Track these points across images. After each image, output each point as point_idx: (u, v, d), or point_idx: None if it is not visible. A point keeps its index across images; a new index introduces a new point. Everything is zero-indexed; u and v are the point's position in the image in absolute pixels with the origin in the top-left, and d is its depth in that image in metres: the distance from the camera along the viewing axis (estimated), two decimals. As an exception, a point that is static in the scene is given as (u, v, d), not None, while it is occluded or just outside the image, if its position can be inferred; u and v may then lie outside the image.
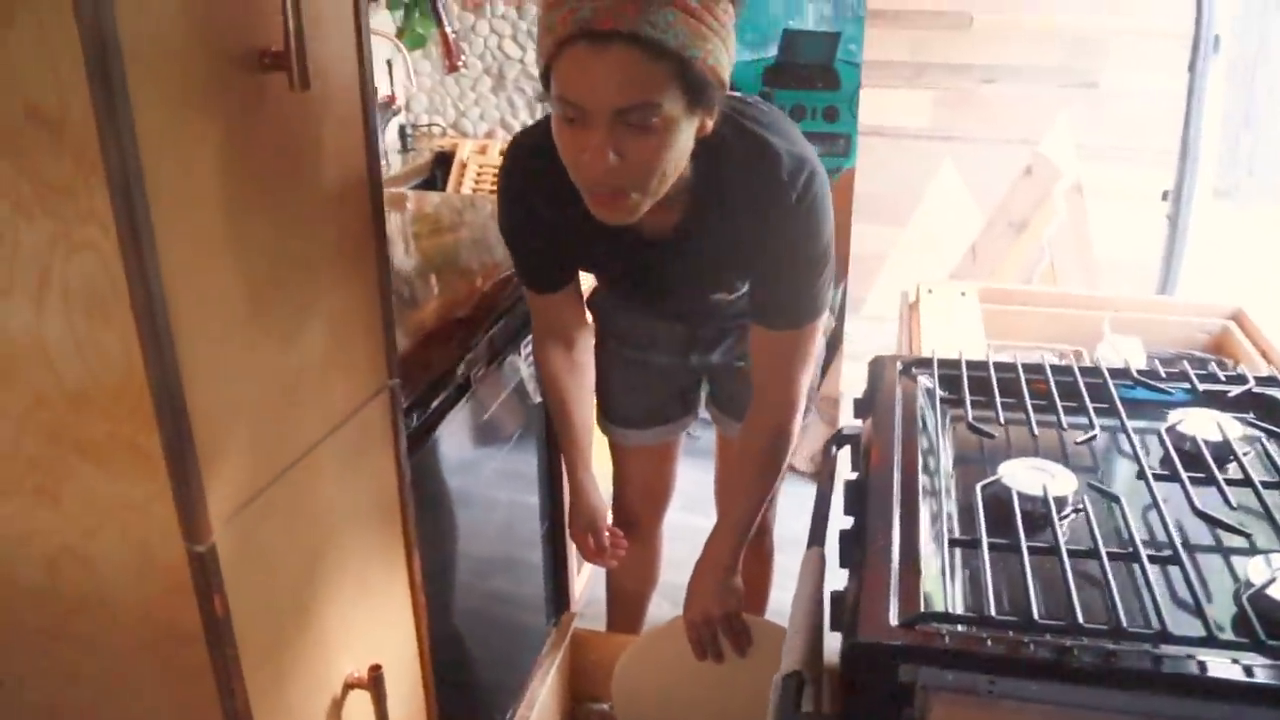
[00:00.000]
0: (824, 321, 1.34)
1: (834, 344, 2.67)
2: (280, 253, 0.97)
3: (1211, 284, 2.35)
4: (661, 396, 1.65)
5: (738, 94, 1.27)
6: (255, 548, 0.99)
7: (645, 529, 1.82)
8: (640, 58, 1.00)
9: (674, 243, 1.27)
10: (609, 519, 1.63)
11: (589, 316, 1.59)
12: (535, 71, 2.62)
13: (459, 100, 2.69)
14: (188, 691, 0.98)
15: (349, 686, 1.19)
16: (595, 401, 1.59)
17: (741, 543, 1.44)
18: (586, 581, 2.19)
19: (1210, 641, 0.81)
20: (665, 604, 2.07)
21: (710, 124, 1.13)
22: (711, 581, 1.44)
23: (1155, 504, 0.99)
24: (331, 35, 1.01)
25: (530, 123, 2.65)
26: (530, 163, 1.24)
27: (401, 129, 2.51)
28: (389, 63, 2.52)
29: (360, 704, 1.22)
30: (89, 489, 0.91)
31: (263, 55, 0.89)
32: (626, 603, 1.90)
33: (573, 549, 2.08)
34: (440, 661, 1.46)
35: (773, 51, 2.76)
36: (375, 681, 1.20)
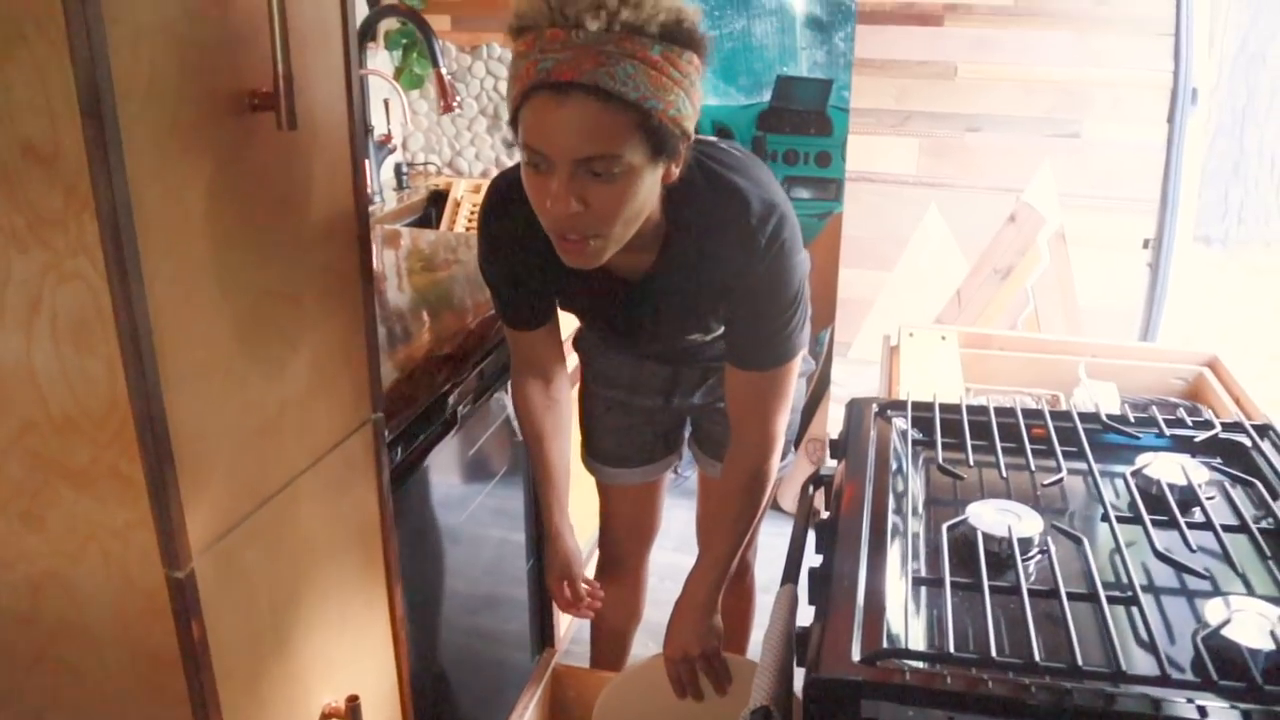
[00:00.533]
0: (799, 362, 1.36)
1: (821, 387, 2.70)
2: (266, 287, 1.00)
3: (1195, 329, 2.38)
4: (645, 437, 1.67)
5: (709, 138, 1.30)
6: (235, 576, 1.01)
7: (630, 567, 1.83)
8: (600, 109, 1.03)
9: (647, 284, 1.30)
10: (584, 566, 1.61)
11: (573, 358, 1.61)
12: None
13: (455, 140, 2.73)
14: (166, 716, 0.99)
15: (326, 717, 1.20)
16: (571, 440, 1.59)
17: (721, 581, 1.46)
18: (571, 619, 2.20)
19: (1165, 681, 0.82)
20: (650, 642, 2.07)
21: (676, 171, 1.16)
22: (691, 620, 1.46)
23: (1118, 546, 1.01)
24: (321, 78, 1.04)
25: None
26: (507, 203, 1.27)
27: (398, 167, 2.55)
28: (386, 102, 2.56)
29: (337, 735, 1.23)
30: (72, 514, 0.93)
31: (252, 96, 0.93)
32: (610, 640, 1.91)
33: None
34: (420, 695, 1.47)
35: (767, 97, 2.80)
36: (353, 712, 1.21)
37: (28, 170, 0.79)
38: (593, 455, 1.72)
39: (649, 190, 1.13)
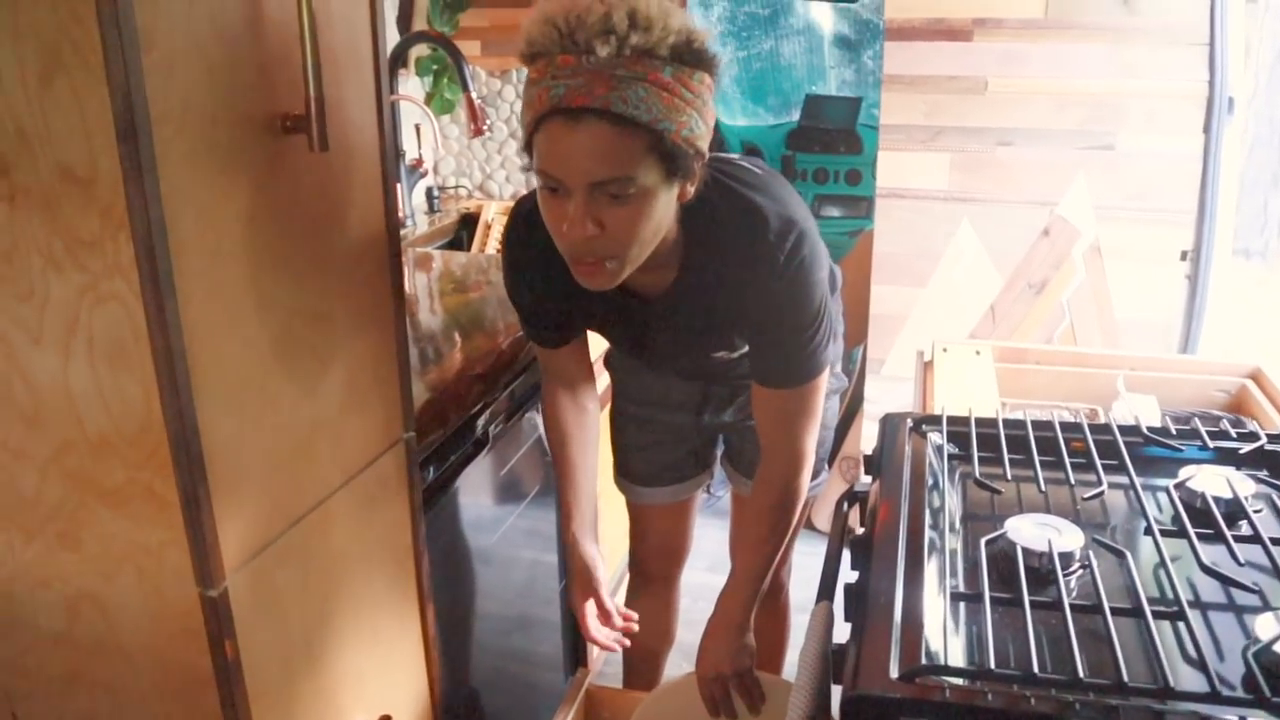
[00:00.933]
0: (825, 379, 1.35)
1: (854, 405, 2.68)
2: (299, 307, 1.01)
3: (1235, 344, 2.34)
4: (676, 455, 1.67)
5: (727, 155, 1.30)
6: (267, 594, 1.01)
7: (662, 587, 1.82)
8: (613, 133, 1.04)
9: (669, 302, 1.30)
10: (608, 583, 1.54)
11: (604, 376, 1.61)
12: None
13: (485, 163, 2.75)
14: (199, 736, 0.99)
15: (359, 737, 1.20)
16: (598, 451, 1.56)
17: (754, 599, 1.44)
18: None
19: (1214, 698, 0.80)
20: (684, 663, 2.05)
21: (691, 190, 1.16)
22: (724, 638, 1.44)
23: (1163, 560, 0.98)
24: (352, 101, 1.05)
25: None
26: (529, 227, 1.27)
27: (429, 190, 2.57)
28: (418, 127, 2.59)
29: (370, 755, 1.22)
30: (107, 534, 0.94)
31: (284, 118, 0.94)
32: (643, 661, 1.90)
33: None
34: (452, 715, 1.46)
35: (796, 116, 2.80)
36: (385, 732, 1.21)
37: (65, 194, 0.81)
38: (624, 474, 1.71)
39: (664, 210, 1.13)
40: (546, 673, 2.00)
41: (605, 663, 2.17)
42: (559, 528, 1.91)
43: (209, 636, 0.95)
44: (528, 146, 1.12)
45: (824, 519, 2.79)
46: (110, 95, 0.76)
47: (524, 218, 1.32)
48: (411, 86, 2.56)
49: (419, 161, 2.47)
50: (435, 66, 2.57)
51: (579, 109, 1.03)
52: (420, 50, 2.54)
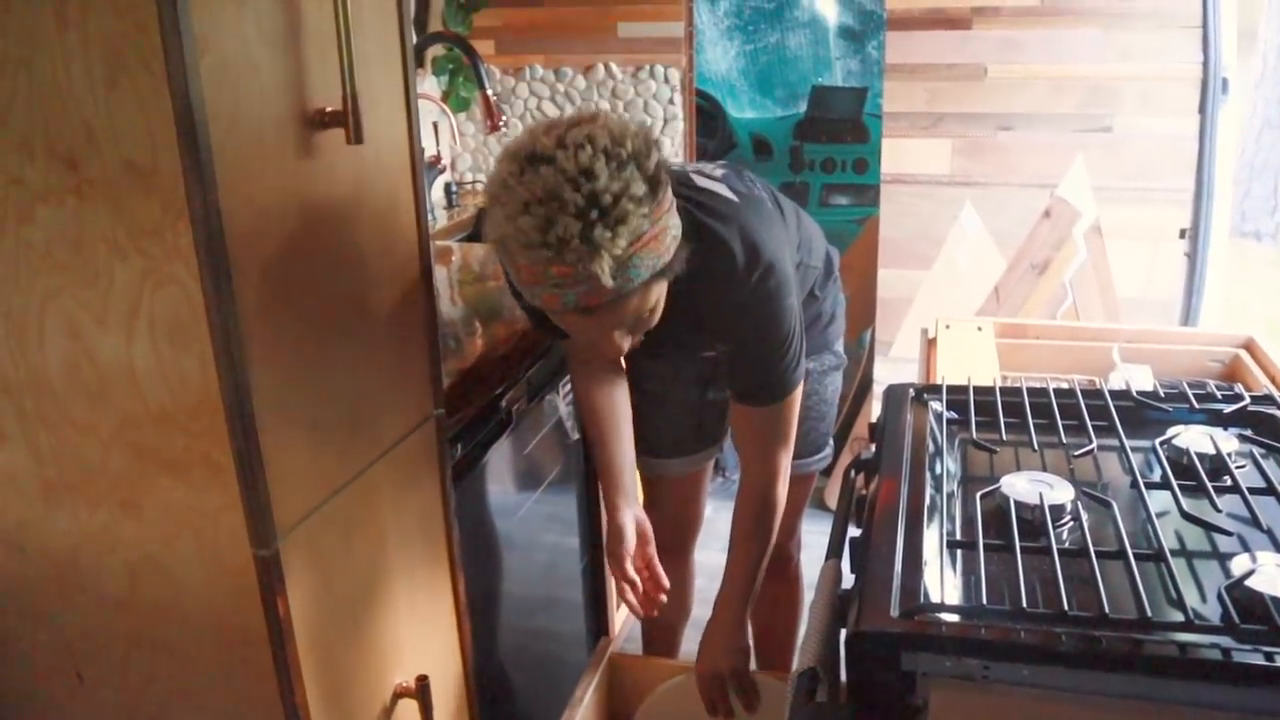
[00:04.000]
0: (798, 397, 1.43)
1: (864, 386, 2.74)
2: (338, 291, 1.09)
3: (1236, 321, 2.39)
4: (684, 428, 1.73)
5: (700, 183, 1.34)
6: (315, 556, 1.09)
7: (675, 559, 1.87)
8: (626, 300, 1.12)
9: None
10: (637, 543, 1.62)
11: None
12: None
13: (500, 159, 2.83)
14: (254, 690, 1.07)
15: (398, 695, 1.27)
16: (629, 423, 1.63)
17: (746, 601, 1.54)
18: (626, 616, 2.26)
19: (1189, 627, 0.87)
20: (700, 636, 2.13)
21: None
22: (720, 639, 1.55)
23: (1146, 509, 1.05)
24: (382, 97, 1.13)
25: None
26: None
27: (447, 186, 2.65)
28: (435, 125, 2.67)
29: (408, 713, 1.30)
30: (167, 500, 1.02)
31: (322, 114, 1.01)
32: (661, 633, 1.97)
33: (611, 584, 2.15)
34: (483, 680, 1.54)
35: (803, 108, 2.86)
36: (422, 691, 1.28)
37: (129, 186, 0.89)
38: (637, 448, 1.78)
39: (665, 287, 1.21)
40: (570, 650, 2.07)
41: (626, 640, 2.25)
42: (582, 511, 1.99)
43: (262, 595, 1.02)
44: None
45: (834, 498, 2.86)
46: (171, 95, 0.84)
47: None
48: (428, 86, 2.64)
49: (437, 158, 2.55)
50: (451, 66, 2.65)
51: (596, 306, 1.10)
52: (436, 50, 2.61)
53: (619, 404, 1.60)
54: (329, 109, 1.02)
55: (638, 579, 1.58)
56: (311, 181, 1.02)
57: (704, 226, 1.27)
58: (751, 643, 1.92)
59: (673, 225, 1.15)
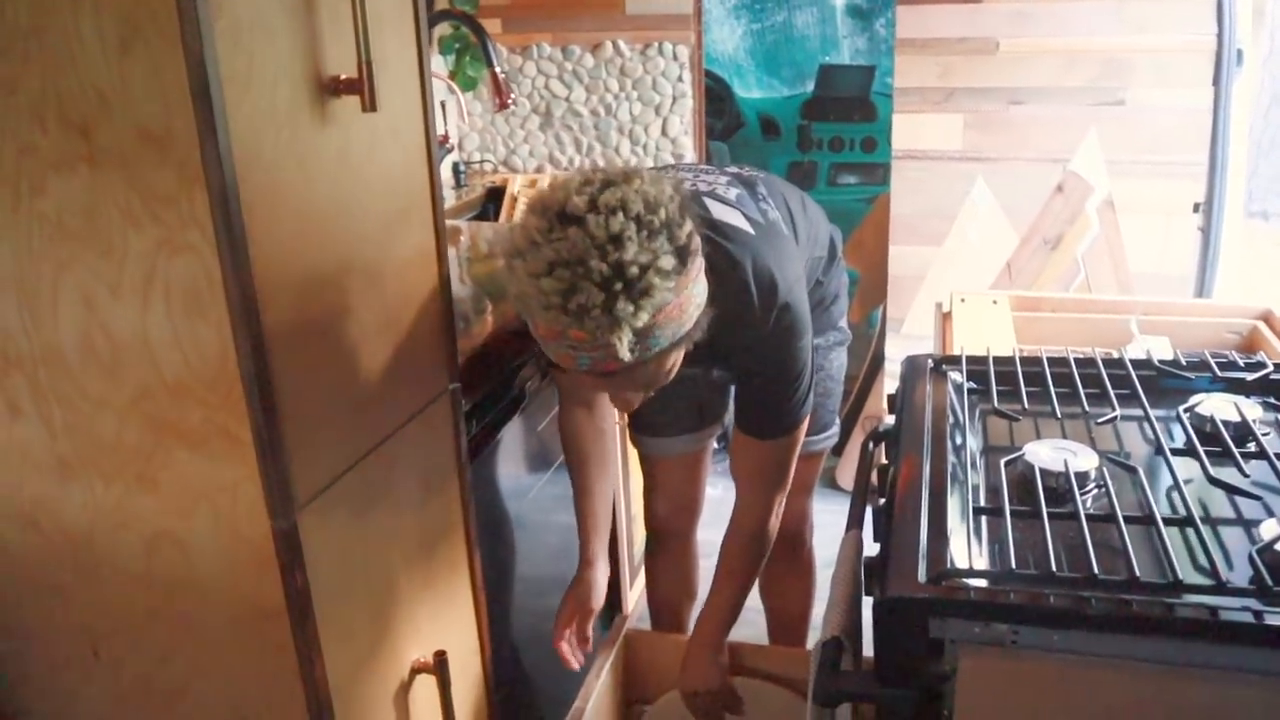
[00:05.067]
0: (801, 434, 1.43)
1: (876, 363, 2.73)
2: (352, 261, 1.07)
3: (1249, 297, 2.36)
4: (685, 406, 1.71)
5: (715, 215, 1.31)
6: (333, 529, 1.08)
7: (678, 541, 1.87)
8: (645, 367, 1.10)
9: None
10: (596, 610, 1.66)
11: None
12: (580, 109, 2.75)
13: (509, 138, 2.81)
14: (273, 664, 1.07)
15: (416, 671, 1.27)
16: (615, 471, 1.63)
17: (728, 624, 1.56)
18: (639, 595, 2.26)
19: (1220, 590, 0.86)
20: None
21: None
22: (700, 658, 1.57)
23: (1173, 476, 1.04)
24: (396, 66, 1.11)
25: (576, 159, 2.77)
26: None
27: (455, 166, 2.63)
28: (443, 104, 2.65)
29: (426, 688, 1.29)
30: (184, 474, 1.01)
31: (336, 81, 1.00)
32: (668, 615, 1.95)
33: (624, 559, 2.15)
34: (500, 657, 1.53)
35: (810, 87, 2.84)
36: (440, 666, 1.27)
37: (143, 153, 0.87)
38: (636, 427, 1.77)
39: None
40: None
41: (639, 619, 2.24)
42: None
43: (281, 567, 1.02)
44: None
45: (848, 478, 2.85)
46: (185, 59, 0.83)
47: None
48: (435, 65, 2.63)
49: (445, 137, 2.54)
50: (458, 45, 2.63)
51: (611, 372, 1.08)
52: (443, 29, 2.60)
53: (608, 450, 1.59)
54: (343, 76, 1.00)
55: (566, 648, 1.63)
56: (327, 150, 1.01)
57: (720, 268, 1.23)
58: (766, 622, 1.92)
59: (697, 293, 1.12)
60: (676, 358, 1.16)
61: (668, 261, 1.03)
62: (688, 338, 1.13)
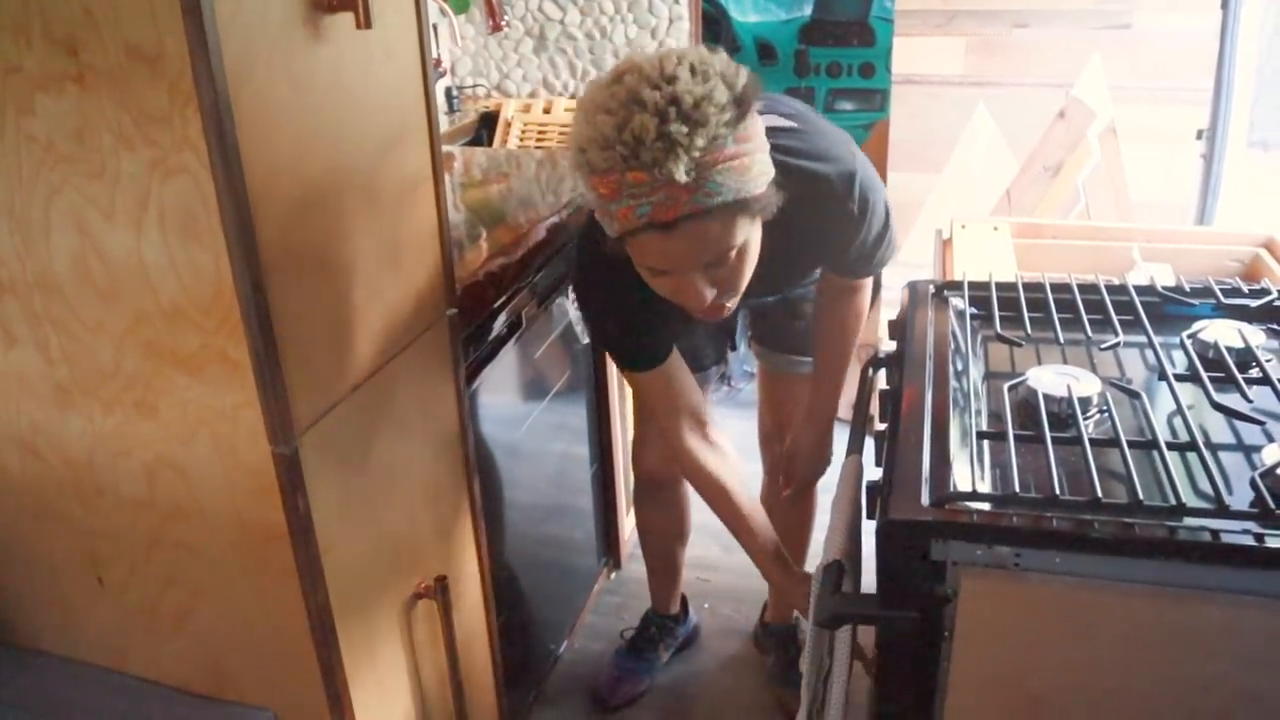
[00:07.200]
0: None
1: (873, 291, 2.71)
2: (347, 183, 1.05)
3: (1250, 225, 2.35)
4: (694, 340, 1.65)
5: (778, 122, 1.27)
6: (333, 454, 1.08)
7: (669, 484, 1.83)
8: (706, 224, 1.06)
9: (757, 271, 1.27)
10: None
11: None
12: (574, 32, 2.69)
13: (502, 62, 2.76)
14: (276, 588, 1.07)
15: (417, 595, 1.28)
16: (747, 482, 1.49)
17: (832, 420, 1.65)
18: (632, 531, 2.26)
19: (1223, 513, 0.86)
20: (713, 545, 2.14)
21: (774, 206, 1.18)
22: (825, 437, 1.67)
23: (1176, 401, 1.04)
24: (390, -19, 1.08)
25: (570, 83, 2.72)
26: (602, 274, 1.31)
27: (448, 91, 2.59)
28: (435, 27, 2.59)
29: (428, 613, 1.31)
30: (183, 400, 1.00)
31: (330, -4, 0.97)
32: (661, 560, 1.94)
33: (620, 491, 2.15)
34: (499, 583, 1.55)
35: (808, 10, 2.78)
36: (441, 590, 1.29)
37: (133, 71, 0.85)
38: (634, 366, 1.71)
39: (757, 239, 1.16)
40: (581, 557, 2.09)
41: (635, 548, 2.26)
42: (591, 421, 1.99)
43: (282, 492, 1.02)
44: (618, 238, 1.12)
45: (846, 408, 2.85)
46: (174, -29, 0.80)
47: (593, 272, 1.35)
48: (425, -13, 2.56)
49: (437, 61, 2.49)
50: (449, -34, 2.57)
51: (672, 220, 1.05)
52: (432, -51, 2.53)
53: (737, 471, 1.46)
54: (337, -9, 0.97)
55: None
56: (321, 69, 0.98)
57: (793, 169, 1.21)
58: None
59: (760, 160, 1.09)
60: (745, 235, 1.12)
61: (723, 95, 1.03)
62: (756, 205, 1.10)
